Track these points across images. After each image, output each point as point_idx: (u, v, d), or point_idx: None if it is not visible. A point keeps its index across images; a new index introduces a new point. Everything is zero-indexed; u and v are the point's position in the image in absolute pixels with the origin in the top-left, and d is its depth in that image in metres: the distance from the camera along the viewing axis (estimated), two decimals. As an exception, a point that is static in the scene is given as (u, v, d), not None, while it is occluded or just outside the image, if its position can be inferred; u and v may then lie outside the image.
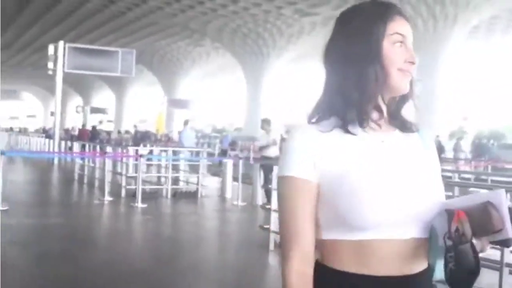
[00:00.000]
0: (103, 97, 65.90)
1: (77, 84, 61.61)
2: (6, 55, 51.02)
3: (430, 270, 1.46)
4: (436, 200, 1.44)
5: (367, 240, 1.38)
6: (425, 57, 28.97)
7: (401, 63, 1.45)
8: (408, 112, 1.55)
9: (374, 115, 1.47)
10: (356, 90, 1.43)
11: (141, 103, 67.16)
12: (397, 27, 1.46)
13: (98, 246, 7.89)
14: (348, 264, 1.40)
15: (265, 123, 12.47)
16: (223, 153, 17.61)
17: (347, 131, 1.43)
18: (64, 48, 23.19)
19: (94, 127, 34.27)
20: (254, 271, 6.72)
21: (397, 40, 1.45)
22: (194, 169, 14.90)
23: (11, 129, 53.34)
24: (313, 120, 1.48)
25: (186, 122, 19.99)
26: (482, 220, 1.31)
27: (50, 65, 23.68)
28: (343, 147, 1.42)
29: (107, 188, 11.91)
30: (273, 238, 7.24)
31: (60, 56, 23.04)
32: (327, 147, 1.42)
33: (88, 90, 66.45)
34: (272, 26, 36.50)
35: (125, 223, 10.09)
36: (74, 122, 53.92)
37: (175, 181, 14.40)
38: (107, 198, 11.66)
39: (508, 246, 1.35)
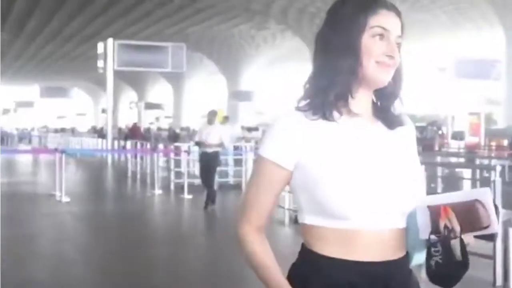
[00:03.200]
0: (160, 90, 67.98)
1: (130, 78, 62.32)
2: (52, 46, 53.51)
3: (408, 256, 1.77)
4: (415, 193, 1.72)
5: (351, 229, 1.66)
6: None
7: (379, 56, 1.68)
8: (395, 106, 1.81)
9: (340, 104, 1.70)
10: (326, 79, 1.68)
11: (202, 95, 65.47)
12: (380, 21, 1.68)
13: (148, 222, 11.60)
14: (332, 250, 1.68)
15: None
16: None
17: (327, 119, 1.68)
18: (114, 46, 25.88)
19: (135, 124, 37.70)
20: (272, 240, 10.06)
21: (377, 33, 1.68)
22: (239, 163, 17.64)
23: (62, 129, 56.21)
24: (302, 106, 1.72)
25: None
26: (470, 217, 1.60)
27: (100, 63, 26.64)
28: (325, 136, 1.68)
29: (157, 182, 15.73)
30: (288, 214, 10.54)
31: (110, 53, 25.77)
32: (310, 136, 1.67)
33: (143, 84, 68.09)
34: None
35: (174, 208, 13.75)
36: (127, 119, 56.73)
37: (222, 174, 17.15)
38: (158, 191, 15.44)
39: (492, 240, 1.65)
